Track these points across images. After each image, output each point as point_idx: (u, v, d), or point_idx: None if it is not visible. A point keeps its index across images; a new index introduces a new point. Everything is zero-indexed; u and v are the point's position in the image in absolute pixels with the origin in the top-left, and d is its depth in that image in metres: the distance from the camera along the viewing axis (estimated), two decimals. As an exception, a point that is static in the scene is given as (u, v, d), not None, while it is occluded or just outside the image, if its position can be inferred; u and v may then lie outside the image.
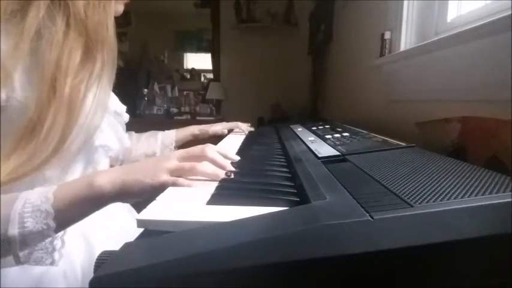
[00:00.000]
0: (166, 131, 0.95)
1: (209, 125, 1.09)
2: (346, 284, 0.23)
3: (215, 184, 0.43)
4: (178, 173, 0.45)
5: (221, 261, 0.23)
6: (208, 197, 0.38)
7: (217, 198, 0.38)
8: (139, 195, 0.44)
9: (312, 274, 0.23)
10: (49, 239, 0.41)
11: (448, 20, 0.85)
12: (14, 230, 0.38)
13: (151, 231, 0.31)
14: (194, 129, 1.02)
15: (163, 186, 0.43)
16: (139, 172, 0.44)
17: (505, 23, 0.50)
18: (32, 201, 0.39)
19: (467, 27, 0.61)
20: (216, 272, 0.23)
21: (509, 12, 0.49)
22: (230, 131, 1.18)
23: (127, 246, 0.27)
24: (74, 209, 0.41)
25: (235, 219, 0.28)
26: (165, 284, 0.23)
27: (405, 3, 0.93)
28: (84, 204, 0.42)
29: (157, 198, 0.37)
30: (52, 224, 0.39)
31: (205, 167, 0.47)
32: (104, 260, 0.25)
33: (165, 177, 0.43)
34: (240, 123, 1.19)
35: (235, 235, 0.25)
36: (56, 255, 0.42)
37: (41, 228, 0.39)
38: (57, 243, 0.43)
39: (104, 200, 0.43)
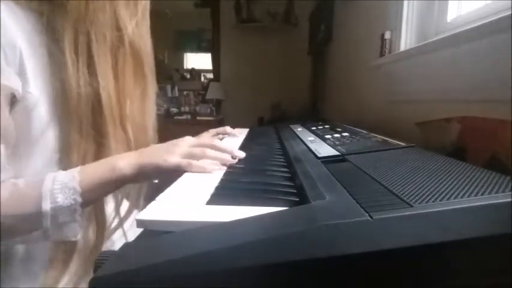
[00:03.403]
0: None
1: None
2: (346, 284, 0.23)
3: (215, 184, 0.43)
4: (189, 157, 0.49)
5: (221, 261, 0.23)
6: (208, 197, 0.38)
7: (217, 198, 0.38)
8: (154, 177, 0.49)
9: (312, 274, 0.23)
10: (74, 215, 0.45)
11: (448, 20, 0.85)
12: (46, 206, 0.43)
13: (151, 231, 0.31)
14: None
15: (178, 168, 0.48)
16: (152, 155, 0.50)
17: (505, 23, 0.50)
18: (60, 179, 0.44)
19: (467, 27, 0.61)
20: (215, 272, 0.23)
21: (509, 12, 0.49)
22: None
23: (127, 246, 0.27)
24: (97, 189, 0.47)
25: (235, 219, 0.28)
26: (165, 284, 0.23)
27: (405, 3, 0.93)
28: (106, 184, 0.47)
29: (157, 198, 0.37)
30: (79, 199, 0.44)
31: (215, 152, 0.52)
32: (104, 260, 0.25)
33: (177, 159, 0.48)
34: (228, 128, 0.98)
35: (234, 235, 0.25)
36: (79, 229, 0.46)
37: (69, 203, 0.44)
38: (79, 219, 0.46)
39: (124, 181, 0.49)
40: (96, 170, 0.47)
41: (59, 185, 0.44)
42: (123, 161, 0.48)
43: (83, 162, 0.49)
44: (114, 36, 0.52)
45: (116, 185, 0.49)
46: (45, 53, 0.48)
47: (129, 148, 0.55)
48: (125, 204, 0.60)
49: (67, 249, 0.51)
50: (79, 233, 0.47)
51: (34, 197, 0.43)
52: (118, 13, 0.52)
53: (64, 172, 0.46)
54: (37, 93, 0.47)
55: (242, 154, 0.56)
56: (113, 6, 0.51)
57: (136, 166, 0.48)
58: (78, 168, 0.47)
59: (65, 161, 0.50)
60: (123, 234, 0.59)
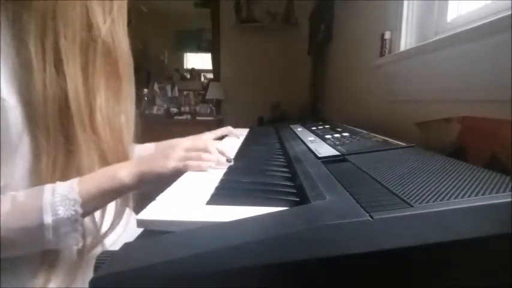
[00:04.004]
0: (146, 144, 0.81)
1: (198, 136, 0.87)
2: (346, 284, 0.23)
3: (215, 184, 0.43)
4: (185, 160, 0.51)
5: (221, 261, 0.23)
6: (208, 197, 0.38)
7: (217, 198, 0.38)
8: (155, 183, 0.50)
9: (312, 274, 0.23)
10: (75, 224, 0.45)
11: (448, 20, 0.85)
12: (48, 219, 0.43)
13: (151, 231, 0.31)
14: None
15: (176, 172, 0.49)
16: (151, 163, 0.50)
17: (505, 23, 0.50)
18: (60, 192, 0.45)
19: (467, 27, 0.61)
20: (215, 272, 0.23)
21: (509, 12, 0.49)
22: (223, 136, 1.00)
23: (127, 246, 0.27)
24: (96, 199, 0.47)
25: (235, 219, 0.28)
26: (165, 284, 0.23)
27: (405, 3, 0.93)
28: (106, 194, 0.48)
29: (157, 198, 0.37)
30: (79, 210, 0.45)
31: (210, 155, 0.54)
32: (104, 260, 0.25)
33: (174, 163, 0.50)
34: (231, 128, 0.99)
35: (235, 235, 0.25)
36: (79, 236, 0.46)
37: (70, 214, 0.44)
38: (80, 228, 0.46)
39: (125, 190, 0.50)
40: (96, 181, 0.47)
41: (59, 197, 0.44)
42: (123, 171, 0.49)
43: (53, 168, 0.47)
44: (84, 33, 0.49)
45: (117, 194, 0.50)
46: (13, 54, 0.46)
47: (102, 153, 0.52)
48: (112, 209, 0.57)
49: (51, 256, 0.49)
50: (80, 241, 0.47)
51: (35, 210, 0.43)
52: (90, 10, 0.50)
53: (63, 183, 0.46)
54: (9, 97, 0.45)
55: (230, 156, 0.57)
56: (85, 3, 0.49)
57: (137, 175, 0.49)
58: (77, 179, 0.47)
59: (36, 167, 0.48)
60: (116, 239, 0.57)
